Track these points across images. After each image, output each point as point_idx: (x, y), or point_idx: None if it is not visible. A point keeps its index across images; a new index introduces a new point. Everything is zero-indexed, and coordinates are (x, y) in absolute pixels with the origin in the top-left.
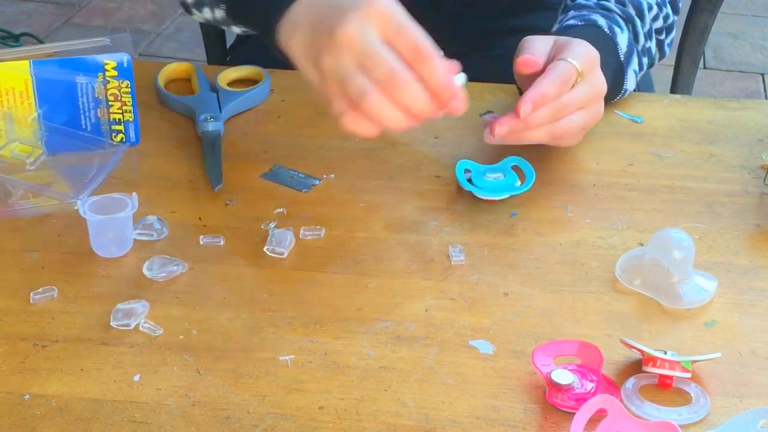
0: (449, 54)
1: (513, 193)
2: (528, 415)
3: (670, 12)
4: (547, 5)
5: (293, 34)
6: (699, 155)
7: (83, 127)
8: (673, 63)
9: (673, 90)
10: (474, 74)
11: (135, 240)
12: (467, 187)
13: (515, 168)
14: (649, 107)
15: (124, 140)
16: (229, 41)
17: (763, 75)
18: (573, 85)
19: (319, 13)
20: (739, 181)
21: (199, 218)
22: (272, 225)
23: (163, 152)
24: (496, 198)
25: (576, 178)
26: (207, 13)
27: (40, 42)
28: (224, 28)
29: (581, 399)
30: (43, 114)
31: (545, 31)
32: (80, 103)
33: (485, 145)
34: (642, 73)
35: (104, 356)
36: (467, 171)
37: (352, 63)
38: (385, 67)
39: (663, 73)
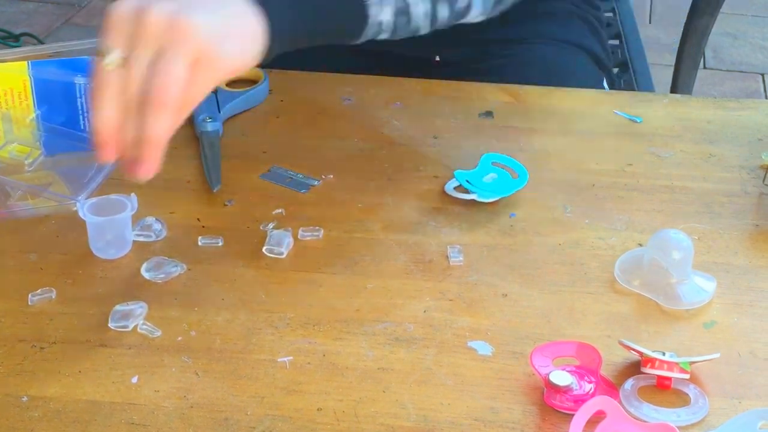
0: (445, 62)
1: (517, 188)
2: (526, 417)
3: None
4: (538, 15)
5: None
6: (698, 155)
7: (82, 127)
8: (672, 64)
9: (673, 91)
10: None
11: (133, 241)
12: (468, 196)
13: (497, 165)
14: (648, 107)
15: None
16: None
17: (763, 75)
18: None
19: None
20: (738, 181)
21: (198, 219)
22: (271, 226)
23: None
24: (495, 199)
25: (575, 178)
26: None
27: (41, 42)
28: None
29: (580, 400)
30: (42, 115)
31: (543, 39)
32: (79, 103)
33: (484, 145)
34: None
35: (102, 358)
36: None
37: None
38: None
39: (663, 73)
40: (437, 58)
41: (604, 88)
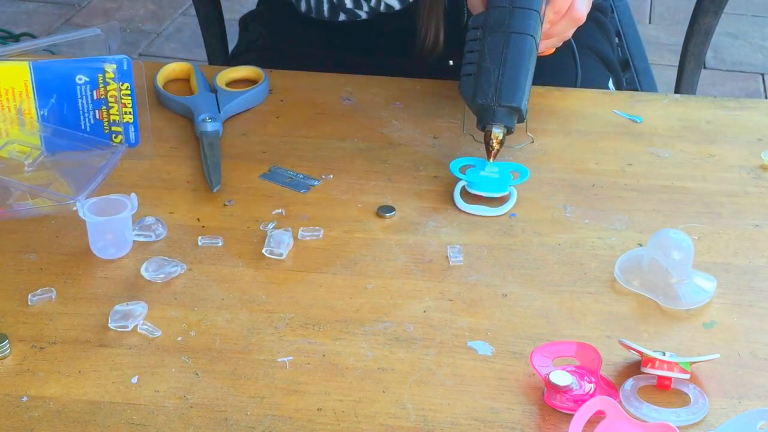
0: (458, 65)
1: (511, 185)
2: (526, 417)
3: None
4: None
5: None
6: (698, 155)
7: (83, 128)
8: (672, 63)
9: (677, 91)
10: None
11: (133, 241)
12: (478, 210)
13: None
14: (648, 107)
15: (123, 141)
16: (231, 43)
17: (763, 75)
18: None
19: None
20: (738, 181)
21: (198, 219)
22: (271, 226)
23: (161, 153)
24: (494, 195)
25: (575, 178)
26: None
27: None
28: None
29: (580, 400)
30: (42, 115)
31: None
32: (80, 104)
33: (483, 145)
34: None
35: (102, 358)
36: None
37: None
38: None
39: (665, 73)
40: (450, 63)
41: (609, 88)
